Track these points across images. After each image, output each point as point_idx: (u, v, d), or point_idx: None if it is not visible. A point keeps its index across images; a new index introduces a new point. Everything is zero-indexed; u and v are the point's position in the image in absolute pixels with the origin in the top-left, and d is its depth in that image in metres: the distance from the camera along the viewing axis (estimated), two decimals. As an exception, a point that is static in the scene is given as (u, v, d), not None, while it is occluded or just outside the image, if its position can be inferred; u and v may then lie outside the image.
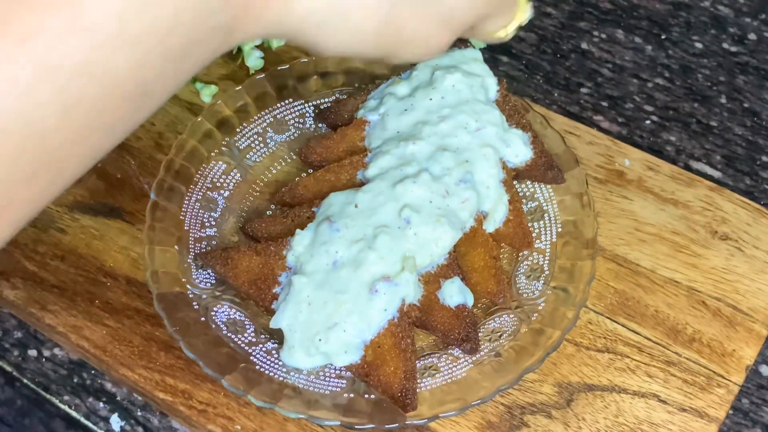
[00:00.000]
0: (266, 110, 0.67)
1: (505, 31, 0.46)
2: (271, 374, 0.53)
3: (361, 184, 0.59)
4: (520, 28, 0.47)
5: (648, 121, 0.72)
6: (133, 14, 0.31)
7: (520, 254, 0.60)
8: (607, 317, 0.59)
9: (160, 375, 0.55)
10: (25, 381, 0.57)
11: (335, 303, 0.53)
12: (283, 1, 0.37)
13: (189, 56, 0.34)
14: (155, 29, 0.32)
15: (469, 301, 0.56)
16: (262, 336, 0.56)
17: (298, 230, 0.56)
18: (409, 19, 0.40)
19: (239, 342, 0.55)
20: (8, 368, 0.57)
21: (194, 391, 0.54)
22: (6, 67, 0.29)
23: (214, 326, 0.55)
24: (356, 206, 0.56)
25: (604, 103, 0.73)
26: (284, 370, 0.54)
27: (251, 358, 0.54)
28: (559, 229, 0.61)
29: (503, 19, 0.45)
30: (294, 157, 0.65)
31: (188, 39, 0.33)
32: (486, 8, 0.43)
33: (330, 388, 0.53)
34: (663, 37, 0.78)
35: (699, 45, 0.77)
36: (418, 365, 0.54)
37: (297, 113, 0.67)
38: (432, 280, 0.55)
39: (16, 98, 0.29)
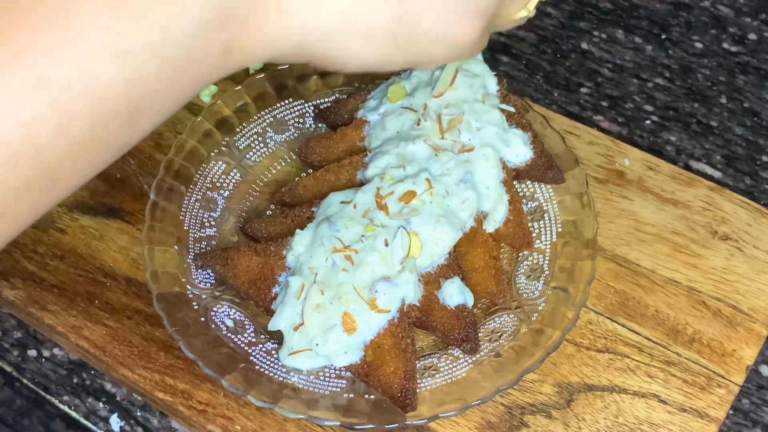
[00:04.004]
0: (266, 110, 0.67)
1: (526, 10, 0.43)
2: (271, 374, 0.53)
3: (361, 184, 0.59)
4: (542, 2, 0.44)
5: (648, 121, 0.72)
6: (122, 29, 0.31)
7: (520, 254, 0.60)
8: (607, 317, 0.59)
9: (159, 375, 0.55)
10: (24, 381, 0.57)
11: (335, 303, 0.53)
12: (282, 15, 0.35)
13: (183, 74, 0.34)
14: (146, 43, 0.32)
15: (469, 301, 0.56)
16: (262, 336, 0.55)
17: (297, 230, 0.56)
18: (424, 12, 0.37)
19: (239, 342, 0.55)
20: (8, 368, 0.57)
21: (194, 392, 0.54)
22: (2, 79, 0.30)
23: (214, 326, 0.55)
24: (355, 206, 0.56)
25: (604, 103, 0.73)
26: (284, 370, 0.53)
27: (251, 358, 0.54)
28: (559, 229, 0.61)
29: None
30: (294, 157, 0.65)
31: (181, 55, 0.33)
32: None
33: (330, 388, 0.53)
34: (663, 37, 0.78)
35: (699, 45, 0.77)
36: (418, 365, 0.54)
37: (297, 113, 0.67)
38: (432, 280, 0.55)
39: (12, 110, 0.30)
